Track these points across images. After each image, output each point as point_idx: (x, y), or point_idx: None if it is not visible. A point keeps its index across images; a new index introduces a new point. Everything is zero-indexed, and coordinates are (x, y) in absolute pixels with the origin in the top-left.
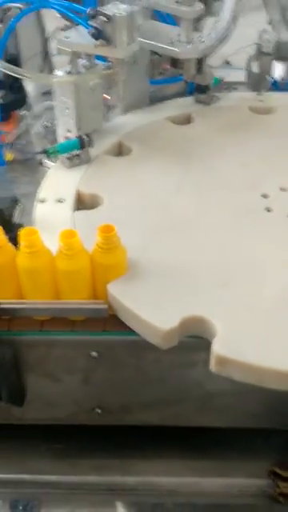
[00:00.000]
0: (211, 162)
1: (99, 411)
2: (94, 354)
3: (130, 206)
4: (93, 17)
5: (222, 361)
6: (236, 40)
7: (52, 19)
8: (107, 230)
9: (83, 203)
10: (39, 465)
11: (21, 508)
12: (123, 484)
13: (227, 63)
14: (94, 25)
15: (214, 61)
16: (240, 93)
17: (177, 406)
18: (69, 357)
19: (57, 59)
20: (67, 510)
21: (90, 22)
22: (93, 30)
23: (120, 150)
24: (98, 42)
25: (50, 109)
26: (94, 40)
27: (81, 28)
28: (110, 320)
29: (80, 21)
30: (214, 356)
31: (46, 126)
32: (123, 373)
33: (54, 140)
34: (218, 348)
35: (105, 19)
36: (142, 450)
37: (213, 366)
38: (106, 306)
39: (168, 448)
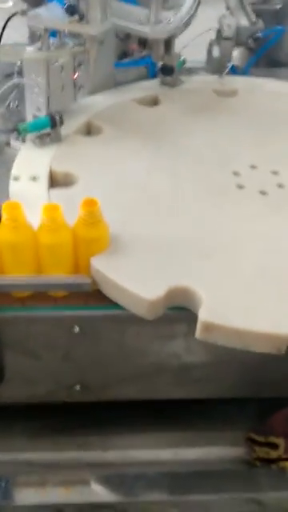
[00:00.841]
0: (181, 142)
1: (79, 388)
2: (76, 329)
3: (104, 183)
4: None
5: (208, 327)
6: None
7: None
8: (91, 204)
9: (57, 181)
10: (16, 443)
11: (3, 485)
12: (104, 459)
13: None
14: (69, 1)
15: None
16: (203, 76)
17: (155, 379)
18: (50, 333)
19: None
20: (48, 487)
21: None
22: (67, 6)
23: (89, 130)
24: (72, 18)
25: (14, 90)
26: (65, 17)
27: (51, 6)
28: (92, 295)
29: None
30: (200, 322)
31: (9, 107)
32: (104, 348)
33: (19, 121)
34: (204, 314)
35: None
36: (121, 425)
37: (198, 333)
38: (89, 280)
39: (147, 421)
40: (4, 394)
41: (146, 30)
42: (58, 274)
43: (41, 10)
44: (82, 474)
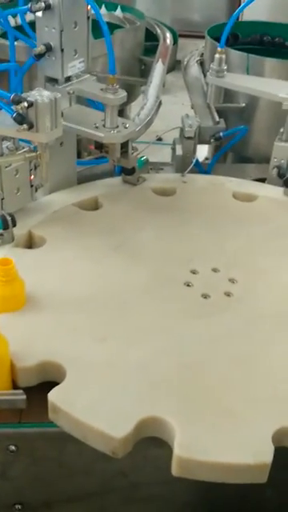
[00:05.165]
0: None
1: (19, 507)
2: (11, 447)
3: (56, 293)
4: (16, 102)
5: (184, 463)
6: (168, 117)
7: None
8: (5, 263)
9: None
10: None
11: None
12: None
13: (159, 139)
14: (18, 110)
15: (147, 136)
16: (166, 174)
17: (102, 498)
18: None
19: None
20: None
21: (14, 108)
22: (16, 115)
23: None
24: (21, 127)
25: None
26: (15, 125)
27: (3, 113)
28: (26, 411)
29: (4, 106)
30: (175, 459)
31: None
32: (43, 466)
33: None
34: (179, 451)
35: (27, 105)
36: None
37: (174, 470)
38: (24, 397)
39: None
40: None
41: (101, 135)
42: None
43: None
44: None
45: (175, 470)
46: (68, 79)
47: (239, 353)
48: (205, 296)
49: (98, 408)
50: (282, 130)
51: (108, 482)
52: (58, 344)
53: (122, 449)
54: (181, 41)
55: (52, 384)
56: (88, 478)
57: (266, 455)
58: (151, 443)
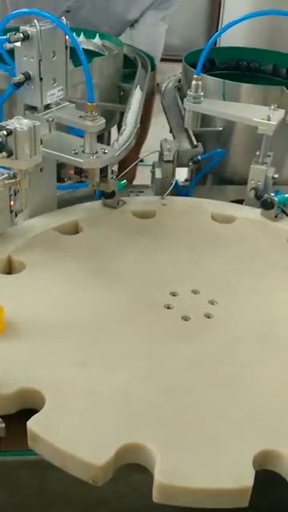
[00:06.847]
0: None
1: None
2: None
3: (35, 319)
4: None
5: (165, 489)
6: (148, 138)
7: None
8: None
9: None
10: None
11: None
12: None
13: (141, 161)
14: None
15: None
16: (146, 197)
17: None
18: None
19: None
20: None
21: None
22: None
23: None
24: (0, 154)
25: None
26: None
27: None
28: (6, 438)
29: None
30: (156, 485)
31: None
32: (25, 494)
33: None
34: (160, 477)
35: (6, 133)
36: None
37: (155, 496)
38: (3, 425)
39: None
40: None
41: (80, 161)
42: None
43: None
44: None
45: (156, 497)
46: (47, 107)
47: (219, 376)
48: (185, 318)
49: (77, 435)
50: (258, 153)
51: (90, 509)
52: (37, 371)
53: (102, 476)
54: (160, 65)
55: (32, 411)
56: (70, 506)
57: (247, 479)
58: (133, 469)
